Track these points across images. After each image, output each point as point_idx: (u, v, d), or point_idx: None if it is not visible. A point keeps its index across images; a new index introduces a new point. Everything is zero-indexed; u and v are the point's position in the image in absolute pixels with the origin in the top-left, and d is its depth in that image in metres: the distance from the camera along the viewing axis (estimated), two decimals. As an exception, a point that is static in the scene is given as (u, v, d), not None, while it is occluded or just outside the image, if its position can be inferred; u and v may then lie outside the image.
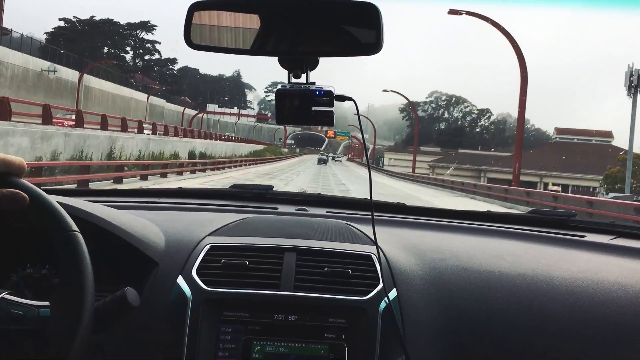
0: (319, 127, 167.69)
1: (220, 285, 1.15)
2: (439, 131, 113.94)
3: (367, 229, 1.32)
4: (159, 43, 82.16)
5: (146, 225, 1.26)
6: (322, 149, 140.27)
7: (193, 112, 76.60)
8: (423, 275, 1.24)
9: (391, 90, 54.54)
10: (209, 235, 1.27)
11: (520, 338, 1.15)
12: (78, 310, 0.90)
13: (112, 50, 75.75)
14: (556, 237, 1.52)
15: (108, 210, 1.21)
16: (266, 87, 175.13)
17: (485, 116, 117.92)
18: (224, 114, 76.51)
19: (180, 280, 1.16)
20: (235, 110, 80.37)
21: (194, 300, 1.14)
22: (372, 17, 1.07)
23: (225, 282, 1.16)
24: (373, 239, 1.24)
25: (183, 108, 61.37)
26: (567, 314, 1.17)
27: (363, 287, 1.17)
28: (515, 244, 1.43)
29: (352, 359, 1.10)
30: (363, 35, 1.12)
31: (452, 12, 26.02)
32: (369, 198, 1.27)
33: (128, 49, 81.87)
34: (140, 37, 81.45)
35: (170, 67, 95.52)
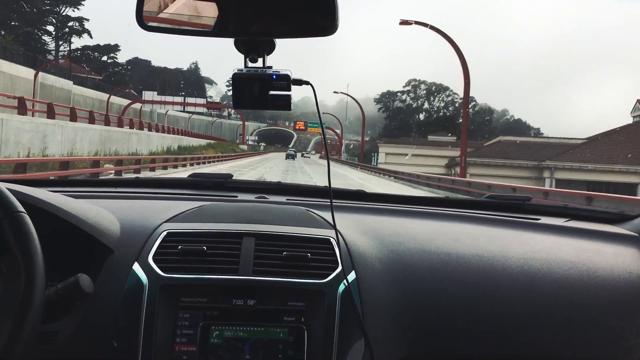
0: (287, 123, 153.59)
1: (178, 272, 1.16)
2: (419, 122, 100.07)
3: (327, 215, 1.35)
4: (87, 20, 67.54)
5: (100, 212, 1.27)
6: (290, 145, 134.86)
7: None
8: (382, 258, 1.27)
9: (341, 92, 55.68)
10: (165, 221, 1.29)
11: (477, 316, 1.20)
12: (27, 295, 0.89)
13: (28, 29, 58.94)
14: (512, 220, 1.62)
15: (61, 197, 1.21)
16: (227, 81, 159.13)
17: (470, 105, 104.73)
18: (166, 103, 61.11)
19: (136, 266, 1.17)
20: (179, 99, 64.60)
21: (150, 286, 1.15)
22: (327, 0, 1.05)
23: (182, 268, 1.17)
24: (332, 223, 1.27)
25: (108, 95, 54.62)
26: (521, 292, 1.23)
27: (322, 271, 1.19)
28: (472, 227, 1.52)
29: (312, 341, 1.12)
30: (319, 16, 1.12)
31: (403, 22, 28.20)
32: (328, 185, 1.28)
33: (51, 29, 65.17)
34: (64, 13, 64.93)
35: (113, 55, 79.18)
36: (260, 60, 1.13)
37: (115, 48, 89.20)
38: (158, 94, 67.82)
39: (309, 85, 1.17)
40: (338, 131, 75.74)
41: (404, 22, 27.75)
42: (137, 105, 65.14)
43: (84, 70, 68.42)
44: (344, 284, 1.17)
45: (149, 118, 68.22)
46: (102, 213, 1.28)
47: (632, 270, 1.29)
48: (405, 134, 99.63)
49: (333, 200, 1.30)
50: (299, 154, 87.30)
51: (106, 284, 1.15)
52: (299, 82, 1.16)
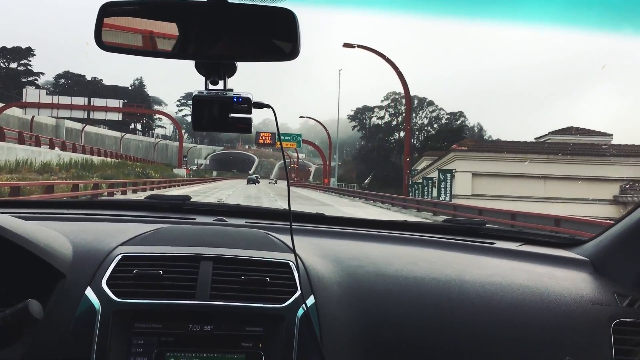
0: (246, 146, 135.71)
1: (132, 296, 1.16)
2: (400, 141, 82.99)
3: (286, 238, 1.43)
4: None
5: (52, 235, 1.29)
6: (251, 171, 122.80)
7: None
8: (341, 281, 1.33)
9: (307, 117, 58.66)
10: (120, 245, 1.33)
11: (434, 339, 1.25)
12: None
13: None
14: (468, 244, 1.74)
15: (10, 219, 1.21)
16: (178, 100, 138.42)
17: (459, 121, 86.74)
18: (60, 106, 41.50)
19: (89, 291, 1.17)
20: (81, 100, 45.12)
21: (103, 312, 1.13)
22: (289, 23, 1.10)
23: (137, 292, 1.17)
24: (291, 247, 1.33)
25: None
26: (477, 315, 1.30)
27: (281, 295, 1.21)
28: (429, 251, 1.63)
29: None
30: (280, 41, 1.14)
31: (346, 45, 29.31)
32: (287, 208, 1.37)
33: None
34: None
35: (27, 60, 58.80)
36: (221, 82, 1.15)
37: (28, 51, 68.72)
38: (48, 93, 48.05)
39: (270, 109, 1.21)
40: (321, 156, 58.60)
41: (347, 45, 29.70)
42: (49, 120, 47.21)
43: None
44: (303, 308, 1.19)
45: (52, 133, 48.53)
46: (54, 235, 1.30)
47: (582, 294, 1.42)
48: (385, 156, 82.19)
49: (293, 224, 1.38)
50: (266, 180, 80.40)
51: (57, 309, 1.14)
52: (260, 105, 1.19)
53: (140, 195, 26.29)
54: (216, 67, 1.14)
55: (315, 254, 1.43)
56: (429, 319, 1.26)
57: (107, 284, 1.18)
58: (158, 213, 1.85)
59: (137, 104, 71.59)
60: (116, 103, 51.22)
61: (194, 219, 1.78)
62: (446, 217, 2.10)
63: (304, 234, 1.65)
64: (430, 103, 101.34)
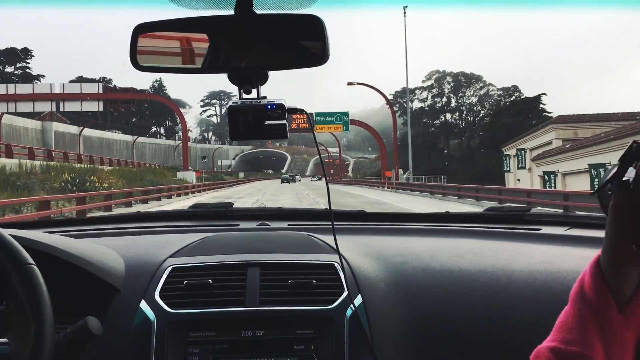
0: (277, 144, 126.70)
1: (185, 307, 1.24)
2: (451, 126, 71.79)
3: (329, 239, 1.49)
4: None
5: (104, 252, 1.39)
6: (284, 170, 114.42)
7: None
8: (387, 279, 1.37)
9: (357, 83, 43.46)
10: (170, 257, 1.41)
11: (484, 332, 1.27)
12: (37, 345, 0.92)
13: None
14: (513, 232, 1.75)
15: (64, 239, 1.32)
16: (202, 100, 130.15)
17: (513, 97, 74.26)
18: (21, 97, 31.68)
19: (144, 304, 1.25)
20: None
21: (158, 323, 1.21)
22: (317, 29, 1.13)
23: (189, 302, 1.25)
24: (335, 247, 1.37)
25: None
26: (528, 305, 1.31)
27: (328, 297, 1.27)
28: (474, 242, 1.65)
29: None
30: (309, 47, 1.17)
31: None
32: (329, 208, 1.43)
33: None
34: None
35: (25, 62, 50.87)
36: (254, 91, 1.19)
37: (26, 53, 60.49)
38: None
39: (304, 113, 1.27)
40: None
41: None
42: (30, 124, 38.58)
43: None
44: (351, 308, 1.23)
45: (34, 140, 39.79)
46: (107, 252, 1.39)
47: None
48: (430, 143, 71.33)
49: (335, 223, 1.43)
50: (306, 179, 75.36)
51: (114, 323, 1.23)
52: (294, 111, 1.23)
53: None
54: (248, 76, 1.18)
55: (359, 252, 1.47)
56: (478, 312, 1.27)
57: (160, 295, 1.24)
58: (202, 221, 1.93)
59: (122, 88, 58.93)
60: (94, 88, 40.67)
61: (238, 224, 1.85)
62: (489, 206, 2.04)
63: (346, 232, 1.69)
64: (479, 78, 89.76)
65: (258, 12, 1.12)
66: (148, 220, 2.00)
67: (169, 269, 1.30)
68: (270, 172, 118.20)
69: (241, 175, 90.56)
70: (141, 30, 1.14)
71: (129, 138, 76.41)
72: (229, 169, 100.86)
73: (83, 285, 1.25)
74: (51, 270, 1.06)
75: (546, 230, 1.72)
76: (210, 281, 1.24)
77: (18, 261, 0.95)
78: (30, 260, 0.97)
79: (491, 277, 1.35)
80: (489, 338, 1.23)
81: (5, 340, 0.95)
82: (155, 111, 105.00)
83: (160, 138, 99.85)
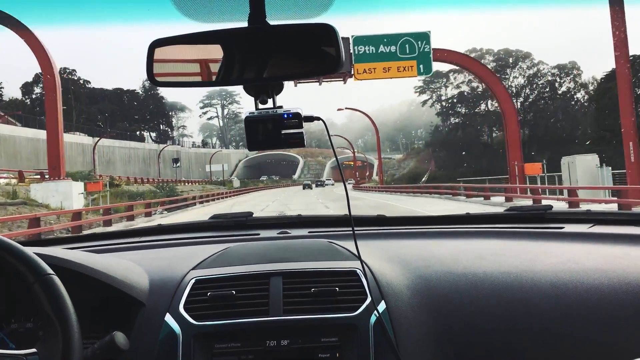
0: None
1: (209, 318, 1.31)
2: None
3: (350, 245, 1.55)
4: None
5: (128, 266, 1.46)
6: (295, 176, 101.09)
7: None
8: (410, 284, 1.42)
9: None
10: (192, 269, 1.48)
11: (510, 333, 1.32)
12: (66, 351, 0.95)
13: None
14: (535, 231, 1.77)
15: (87, 255, 1.40)
16: (201, 101, 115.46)
17: (570, 76, 55.37)
18: None
19: (169, 317, 1.30)
20: None
21: (184, 336, 1.27)
22: (330, 37, 1.18)
23: (213, 314, 1.33)
24: (356, 254, 1.42)
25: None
26: (553, 305, 1.34)
27: (352, 304, 1.33)
28: (496, 243, 1.68)
29: None
30: (323, 55, 1.22)
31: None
32: (348, 214, 1.51)
33: None
34: None
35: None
36: (270, 101, 1.25)
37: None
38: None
39: (321, 121, 1.33)
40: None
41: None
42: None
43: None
44: (375, 315, 1.28)
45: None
46: (130, 266, 1.45)
47: None
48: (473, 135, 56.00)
49: (355, 228, 1.49)
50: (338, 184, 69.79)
51: (140, 337, 1.29)
52: (311, 119, 1.30)
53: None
54: (264, 87, 1.23)
55: (381, 258, 1.50)
56: (502, 314, 1.31)
57: (185, 308, 1.30)
58: (223, 232, 1.97)
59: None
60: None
61: (258, 233, 1.89)
62: (510, 206, 2.01)
63: (367, 238, 1.73)
64: (527, 55, 74.23)
65: (271, 23, 1.19)
66: (168, 233, 2.01)
67: (192, 281, 1.35)
68: (276, 178, 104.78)
69: (236, 184, 76.68)
70: (157, 45, 1.19)
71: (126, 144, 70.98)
72: (231, 177, 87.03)
73: (108, 300, 1.30)
74: (76, 286, 1.09)
75: (569, 228, 1.72)
76: (234, 292, 1.29)
77: (38, 272, 0.98)
78: (51, 271, 1.01)
79: (515, 278, 1.37)
80: (515, 340, 1.25)
81: (34, 350, 0.97)
82: (146, 115, 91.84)
83: (149, 142, 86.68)
